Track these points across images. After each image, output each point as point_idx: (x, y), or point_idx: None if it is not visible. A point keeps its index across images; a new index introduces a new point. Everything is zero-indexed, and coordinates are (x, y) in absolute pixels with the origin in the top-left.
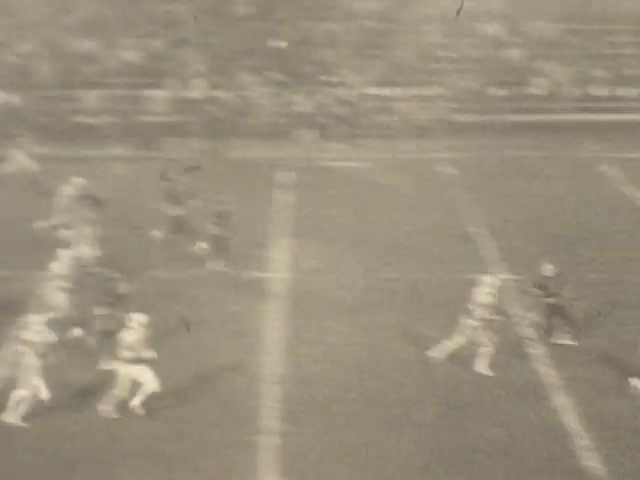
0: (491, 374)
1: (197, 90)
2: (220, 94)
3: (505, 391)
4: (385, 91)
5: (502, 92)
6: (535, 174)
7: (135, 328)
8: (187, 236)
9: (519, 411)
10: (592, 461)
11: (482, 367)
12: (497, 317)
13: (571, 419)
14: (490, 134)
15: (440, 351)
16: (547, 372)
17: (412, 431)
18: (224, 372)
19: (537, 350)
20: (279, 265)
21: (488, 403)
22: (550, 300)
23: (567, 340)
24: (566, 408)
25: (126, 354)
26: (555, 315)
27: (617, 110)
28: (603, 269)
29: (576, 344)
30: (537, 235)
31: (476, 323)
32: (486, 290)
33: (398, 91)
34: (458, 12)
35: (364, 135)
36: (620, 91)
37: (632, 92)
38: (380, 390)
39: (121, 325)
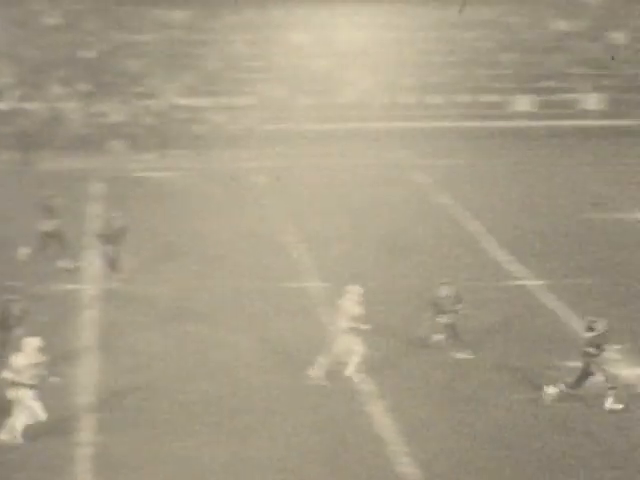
0: (357, 380)
1: (6, 102)
2: (30, 106)
3: (320, 397)
4: (195, 101)
5: (311, 101)
6: (346, 182)
7: (27, 352)
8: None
9: (335, 417)
10: (407, 467)
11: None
12: (365, 326)
13: (386, 425)
14: (301, 143)
15: (320, 370)
16: (363, 380)
17: (228, 440)
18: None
19: (356, 359)
20: (92, 276)
21: (304, 409)
22: (444, 319)
23: (466, 354)
24: (381, 414)
25: (18, 378)
26: (447, 332)
27: (425, 117)
28: (414, 276)
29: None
30: (351, 243)
31: (352, 337)
32: (354, 299)
33: (208, 101)
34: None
35: (175, 145)
36: (427, 98)
37: (439, 99)
38: (197, 399)
39: (14, 348)
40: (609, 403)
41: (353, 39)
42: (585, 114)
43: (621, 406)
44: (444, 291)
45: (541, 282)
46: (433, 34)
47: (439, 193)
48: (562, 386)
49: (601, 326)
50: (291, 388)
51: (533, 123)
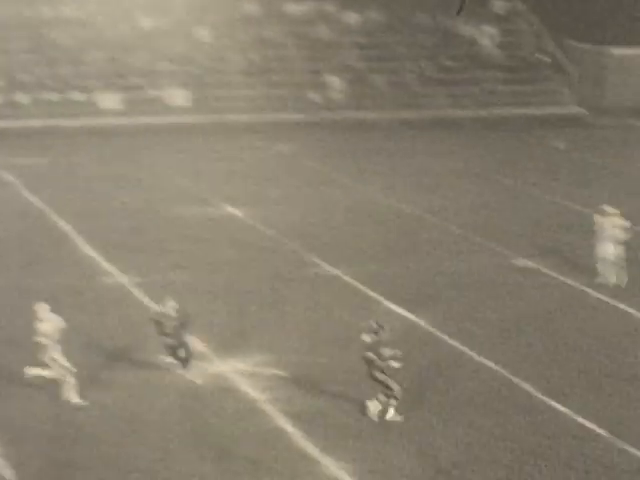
0: (83, 403)
1: None
2: None
3: None
4: None
5: None
6: None
7: None
8: None
9: None
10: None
11: (72, 396)
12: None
13: None
14: None
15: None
16: None
17: None
18: None
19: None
20: None
21: None
22: (168, 341)
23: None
24: None
25: None
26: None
27: (11, 116)
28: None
29: None
30: None
31: (54, 353)
32: (44, 317)
33: None
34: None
35: None
36: (14, 97)
37: (26, 98)
38: None
39: None
40: (390, 415)
41: None
42: (171, 110)
43: (400, 417)
44: (170, 309)
45: (131, 279)
46: (16, 32)
47: (26, 192)
48: (381, 397)
49: (385, 333)
50: None
51: (120, 120)
